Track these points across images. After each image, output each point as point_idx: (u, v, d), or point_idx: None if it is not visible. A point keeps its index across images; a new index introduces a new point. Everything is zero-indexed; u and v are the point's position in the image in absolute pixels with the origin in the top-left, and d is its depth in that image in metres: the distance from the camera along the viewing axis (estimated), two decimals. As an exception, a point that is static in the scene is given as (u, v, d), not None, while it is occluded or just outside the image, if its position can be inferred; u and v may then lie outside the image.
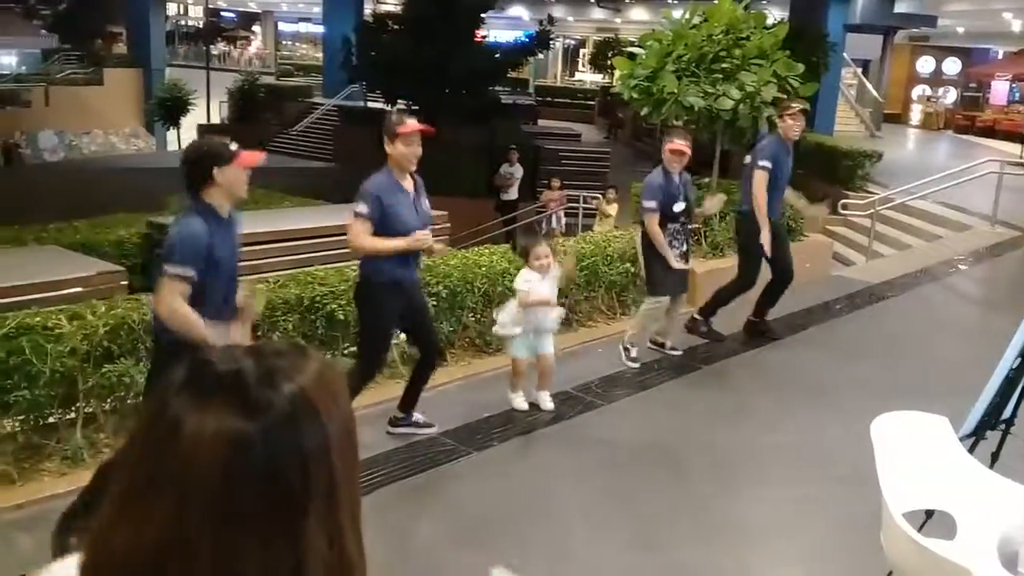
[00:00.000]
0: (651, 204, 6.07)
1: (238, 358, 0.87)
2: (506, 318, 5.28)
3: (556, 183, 15.83)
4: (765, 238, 6.44)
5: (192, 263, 3.44)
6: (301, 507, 0.84)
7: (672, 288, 6.29)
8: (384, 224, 4.49)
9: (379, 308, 4.66)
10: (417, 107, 18.36)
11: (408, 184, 4.61)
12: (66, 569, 0.97)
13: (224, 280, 3.61)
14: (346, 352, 5.46)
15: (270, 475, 0.82)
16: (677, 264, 6.15)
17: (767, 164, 6.44)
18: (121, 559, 0.83)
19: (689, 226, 6.40)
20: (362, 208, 4.47)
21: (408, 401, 5.00)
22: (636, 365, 6.29)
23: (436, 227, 10.96)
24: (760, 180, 6.43)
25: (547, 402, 5.45)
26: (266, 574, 0.83)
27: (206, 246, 3.46)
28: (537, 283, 5.17)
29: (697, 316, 6.93)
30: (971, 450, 3.27)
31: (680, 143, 6.11)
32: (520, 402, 5.40)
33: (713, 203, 6.54)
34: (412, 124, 4.55)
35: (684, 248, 6.31)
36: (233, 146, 3.59)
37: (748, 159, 6.70)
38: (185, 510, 0.81)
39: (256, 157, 3.66)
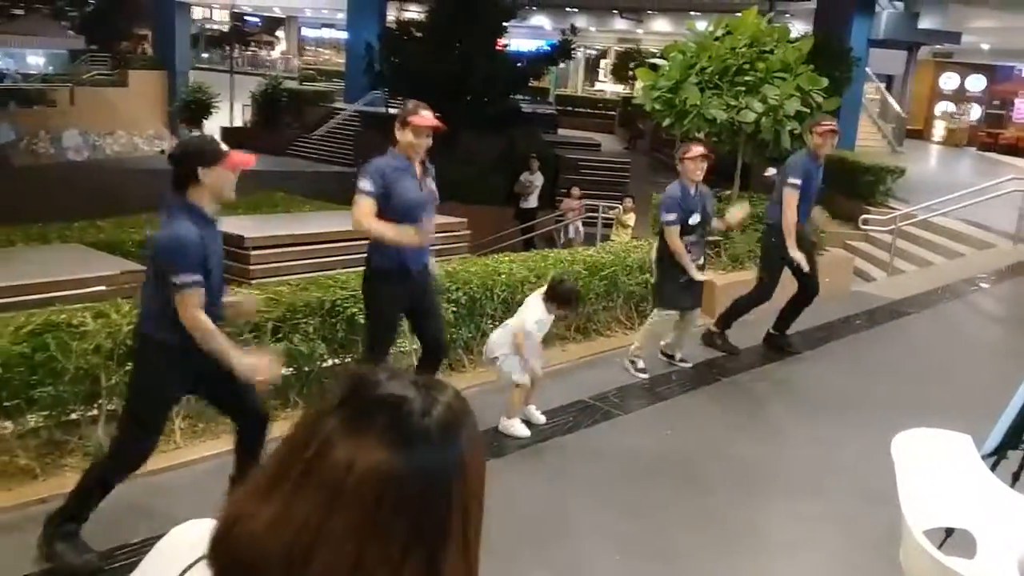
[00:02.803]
0: (671, 217, 6.05)
1: (403, 382, 0.91)
2: (502, 339, 5.15)
3: (576, 192, 15.87)
4: (795, 254, 6.43)
5: (198, 268, 3.33)
6: (443, 529, 0.87)
7: (685, 302, 6.27)
8: (387, 200, 4.43)
9: (385, 294, 4.62)
10: (438, 114, 18.40)
11: (415, 168, 4.57)
12: (187, 532, 1.00)
13: (211, 283, 3.48)
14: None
15: (421, 502, 0.86)
16: (697, 275, 6.14)
17: (797, 181, 6.41)
18: (255, 542, 0.86)
19: (706, 238, 6.38)
20: (366, 184, 4.40)
21: None
22: (644, 376, 6.27)
23: (455, 234, 11.05)
24: (791, 198, 6.41)
25: (540, 415, 5.43)
26: None
27: (202, 248, 3.36)
28: (548, 323, 5.23)
29: (714, 328, 6.93)
30: (993, 468, 3.25)
31: (699, 149, 6.09)
32: (522, 428, 5.25)
33: (737, 213, 6.40)
34: (425, 117, 4.51)
35: (701, 260, 6.32)
36: (224, 147, 3.51)
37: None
38: (330, 520, 0.84)
39: (246, 159, 3.55)
